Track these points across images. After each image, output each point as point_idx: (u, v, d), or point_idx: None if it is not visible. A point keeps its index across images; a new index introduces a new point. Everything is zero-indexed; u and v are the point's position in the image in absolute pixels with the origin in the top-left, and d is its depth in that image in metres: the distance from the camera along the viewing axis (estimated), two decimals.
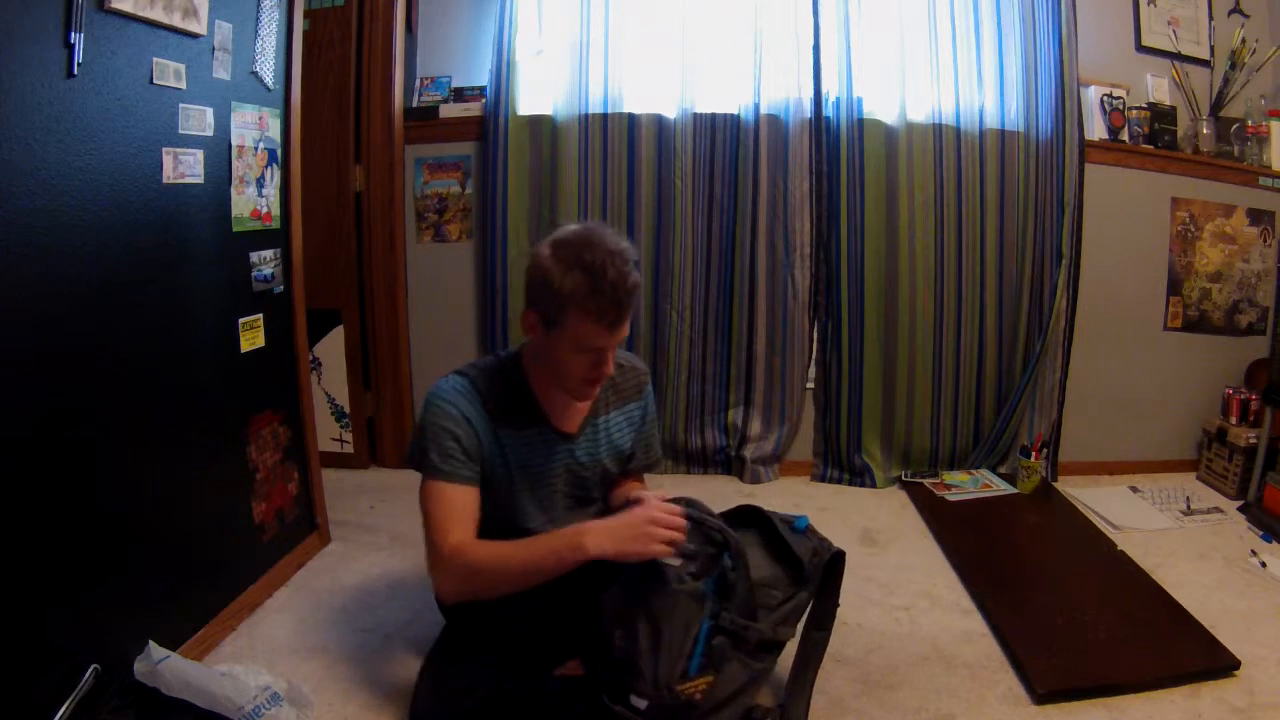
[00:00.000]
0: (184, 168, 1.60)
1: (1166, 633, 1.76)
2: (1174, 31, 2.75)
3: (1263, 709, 1.51)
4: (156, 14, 1.47)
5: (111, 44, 1.39)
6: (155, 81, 1.50)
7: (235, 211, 1.79)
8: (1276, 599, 1.94)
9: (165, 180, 1.56)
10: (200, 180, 1.66)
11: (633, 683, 1.22)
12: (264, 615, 1.84)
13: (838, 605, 1.47)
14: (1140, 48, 2.75)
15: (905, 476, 2.75)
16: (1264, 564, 2.11)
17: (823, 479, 2.79)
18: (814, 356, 2.78)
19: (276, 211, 1.95)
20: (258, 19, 1.80)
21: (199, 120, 1.64)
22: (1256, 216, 2.80)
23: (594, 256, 1.26)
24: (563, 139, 2.61)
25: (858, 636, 1.76)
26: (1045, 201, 2.66)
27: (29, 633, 1.28)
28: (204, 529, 1.72)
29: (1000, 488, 2.64)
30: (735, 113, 2.65)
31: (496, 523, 1.39)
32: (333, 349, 2.76)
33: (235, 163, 1.77)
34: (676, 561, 1.27)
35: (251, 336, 1.87)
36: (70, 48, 1.29)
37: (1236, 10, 2.78)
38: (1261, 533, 2.33)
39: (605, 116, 2.62)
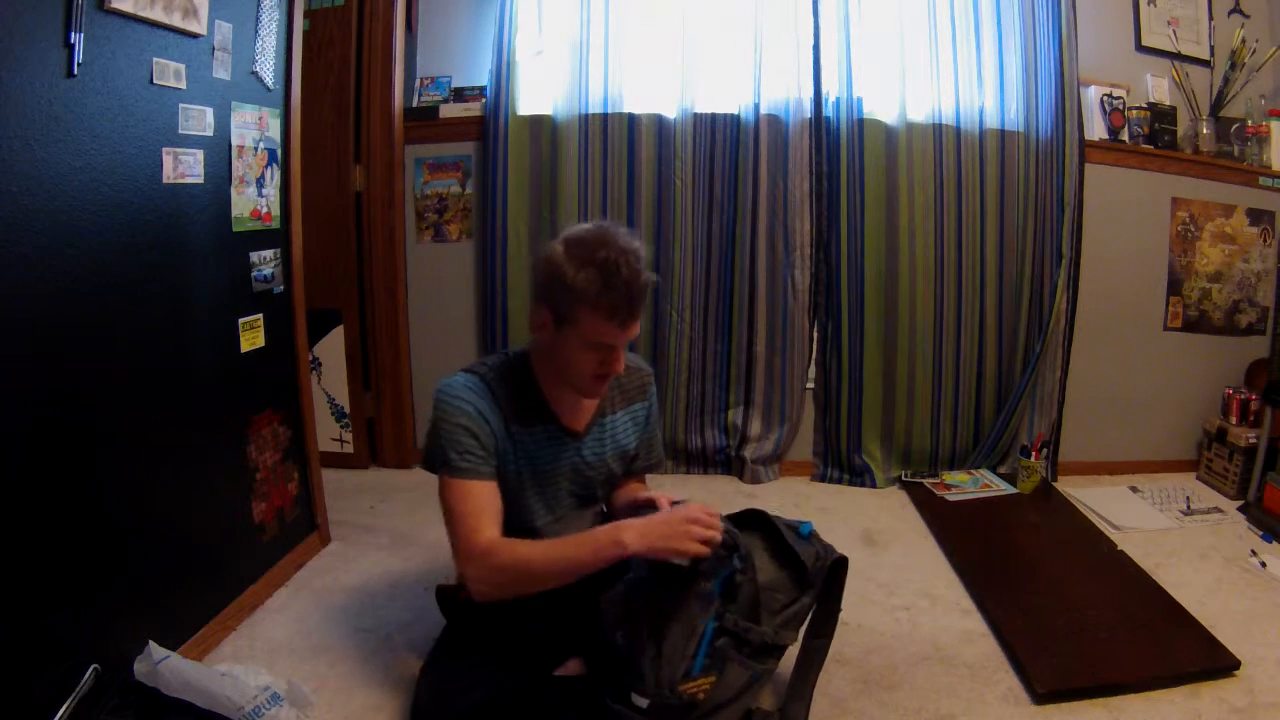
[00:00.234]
0: (184, 168, 1.60)
1: (1166, 633, 1.76)
2: (1174, 31, 2.75)
3: (1263, 709, 1.51)
4: (156, 14, 1.47)
5: (111, 44, 1.39)
6: (155, 81, 1.50)
7: (235, 211, 1.79)
8: (1276, 599, 1.94)
9: (165, 180, 1.56)
10: (200, 180, 1.66)
11: (635, 682, 1.22)
12: (264, 615, 1.84)
13: (840, 612, 1.47)
14: (1140, 48, 2.75)
15: (905, 476, 2.75)
16: (1264, 564, 2.11)
17: (823, 479, 2.79)
18: (814, 356, 2.78)
19: (276, 211, 1.95)
20: (258, 19, 1.80)
21: (199, 120, 1.64)
22: (1256, 216, 2.80)
23: (608, 254, 1.27)
24: (563, 139, 2.61)
25: (858, 636, 1.76)
26: (1045, 201, 2.66)
27: (29, 633, 1.28)
28: (204, 529, 1.72)
29: (1000, 488, 2.64)
30: (735, 113, 2.65)
31: (503, 520, 1.39)
32: (333, 349, 2.76)
33: (235, 162, 1.77)
34: (685, 562, 1.26)
35: (251, 336, 1.87)
36: (70, 48, 1.29)
37: (1236, 10, 2.78)
38: (1261, 533, 2.33)
39: (605, 116, 2.62)
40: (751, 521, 1.44)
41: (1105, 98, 2.70)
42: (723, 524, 1.32)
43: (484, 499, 1.34)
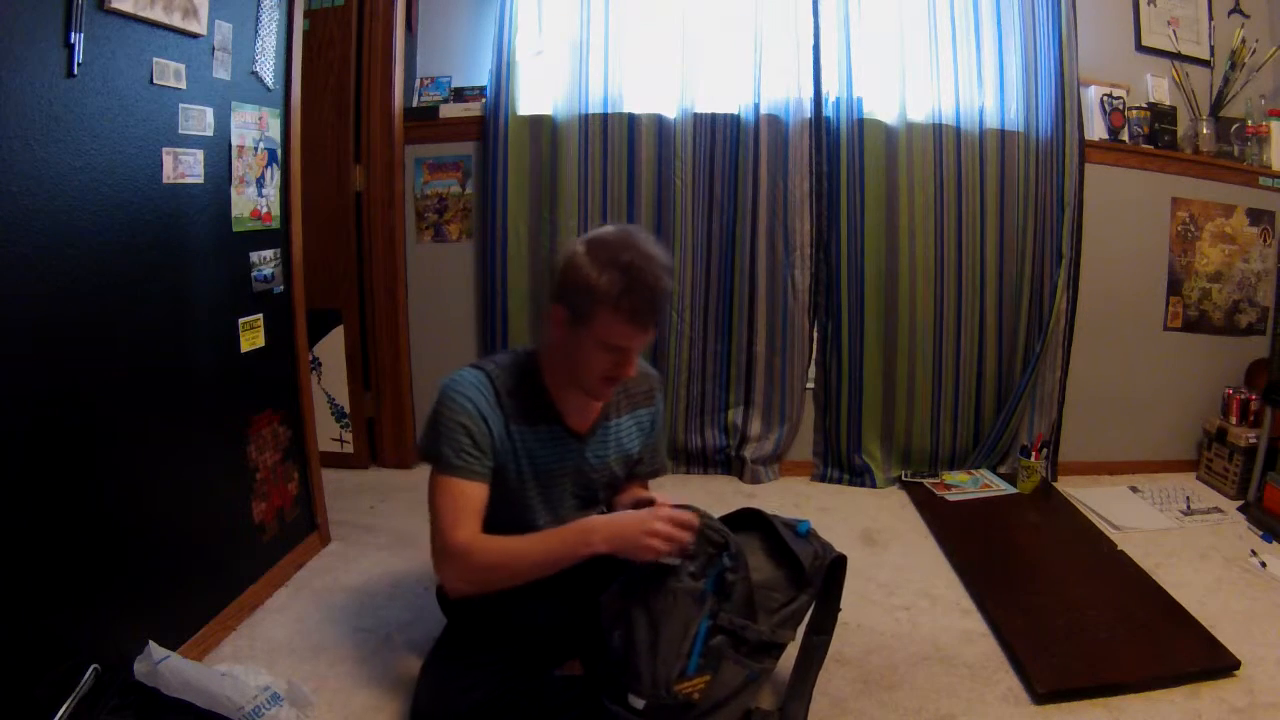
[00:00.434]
0: (184, 168, 1.60)
1: (1166, 633, 1.76)
2: (1174, 31, 2.75)
3: (1263, 709, 1.51)
4: (156, 14, 1.47)
5: (111, 44, 1.39)
6: (155, 81, 1.50)
7: (235, 211, 1.79)
8: (1276, 599, 1.95)
9: (165, 180, 1.56)
10: (200, 180, 1.66)
11: (631, 682, 1.22)
12: (264, 615, 1.84)
13: (839, 610, 1.47)
14: (1140, 48, 2.75)
15: (905, 476, 2.75)
16: (1264, 564, 2.11)
17: (823, 479, 2.79)
18: (814, 356, 2.78)
19: (276, 211, 1.95)
20: (258, 19, 1.80)
21: (199, 120, 1.64)
22: (1256, 216, 2.80)
23: (631, 257, 1.28)
24: (563, 139, 2.61)
25: (858, 636, 1.76)
26: (1045, 201, 2.66)
27: (29, 633, 1.28)
28: (204, 529, 1.72)
29: (1000, 488, 2.64)
30: (735, 113, 2.65)
31: (505, 520, 1.39)
32: (333, 349, 2.76)
33: (235, 162, 1.77)
34: (677, 561, 1.27)
35: (251, 336, 1.87)
36: (70, 48, 1.29)
37: (1236, 10, 2.78)
38: (1261, 533, 2.33)
39: (605, 116, 2.62)
40: (749, 521, 1.44)
41: (1105, 98, 2.71)
42: (712, 521, 1.32)
43: (468, 497, 1.35)
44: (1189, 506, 2.52)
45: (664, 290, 1.32)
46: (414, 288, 2.80)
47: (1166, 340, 2.83)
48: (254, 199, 1.85)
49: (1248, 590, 1.99)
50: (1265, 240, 2.82)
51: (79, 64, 1.31)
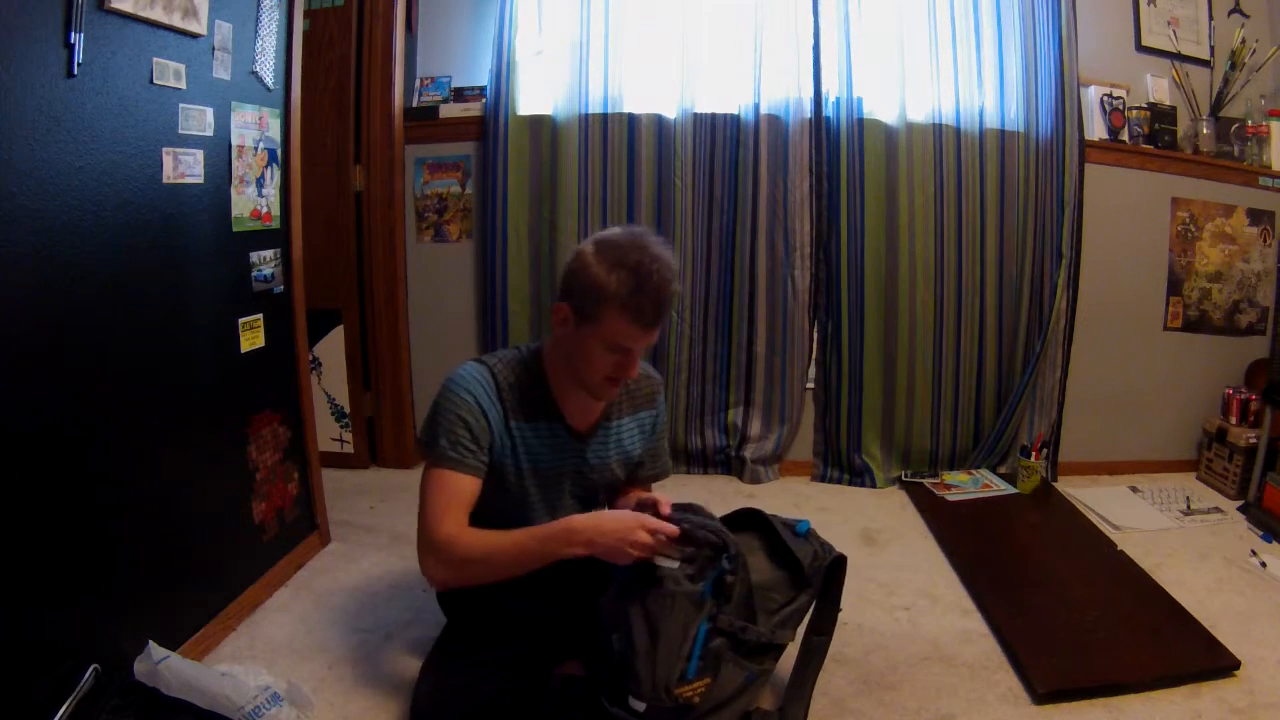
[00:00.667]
0: (184, 168, 1.60)
1: (1166, 633, 1.76)
2: (1174, 31, 2.75)
3: (1263, 709, 1.51)
4: (156, 14, 1.47)
5: (111, 44, 1.39)
6: (155, 81, 1.50)
7: (235, 211, 1.78)
8: (1276, 599, 1.95)
9: (165, 180, 1.56)
10: (200, 180, 1.66)
11: (630, 685, 1.22)
12: (264, 615, 1.84)
13: (839, 610, 1.47)
14: (1140, 48, 2.75)
15: (905, 476, 2.75)
16: (1264, 564, 2.11)
17: (823, 479, 2.79)
18: (814, 356, 2.78)
19: (276, 211, 1.95)
20: (258, 19, 1.80)
21: (199, 120, 1.64)
22: (1256, 216, 2.80)
23: (640, 258, 1.29)
24: (563, 139, 2.61)
25: (858, 636, 1.76)
26: (1045, 201, 2.66)
27: (29, 633, 1.28)
28: (204, 529, 1.72)
29: (1000, 488, 2.64)
30: (735, 113, 2.65)
31: (504, 517, 1.39)
32: (333, 349, 2.76)
33: (235, 163, 1.77)
34: (674, 564, 1.27)
35: (251, 336, 1.87)
36: (70, 48, 1.29)
37: (1236, 10, 2.78)
38: (1261, 533, 2.33)
39: (605, 116, 2.62)
40: (749, 521, 1.44)
41: (1105, 98, 2.70)
42: (711, 523, 1.31)
43: (458, 491, 1.36)
44: (1189, 506, 2.52)
45: (671, 293, 1.32)
46: (414, 288, 2.80)
47: (1166, 340, 2.83)
48: (254, 199, 1.85)
49: (1248, 590, 1.99)
50: (1265, 240, 2.82)
51: (79, 64, 1.31)
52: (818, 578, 1.40)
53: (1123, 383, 2.83)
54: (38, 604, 1.30)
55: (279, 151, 1.93)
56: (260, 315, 1.90)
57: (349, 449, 2.82)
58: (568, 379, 1.44)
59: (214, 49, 1.66)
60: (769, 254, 2.67)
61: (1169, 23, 2.75)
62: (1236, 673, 1.62)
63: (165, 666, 1.35)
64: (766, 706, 1.45)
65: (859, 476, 2.75)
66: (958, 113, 2.64)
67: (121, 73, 1.42)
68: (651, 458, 1.64)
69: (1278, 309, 2.84)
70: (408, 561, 2.09)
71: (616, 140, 2.64)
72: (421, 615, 1.82)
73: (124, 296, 1.47)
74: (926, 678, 1.62)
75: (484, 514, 1.38)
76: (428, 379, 2.78)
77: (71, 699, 1.25)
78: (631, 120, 2.63)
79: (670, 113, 2.63)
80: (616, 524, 1.28)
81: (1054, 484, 2.74)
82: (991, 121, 2.67)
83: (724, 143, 2.66)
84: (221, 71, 1.69)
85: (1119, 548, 2.20)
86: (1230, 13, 2.78)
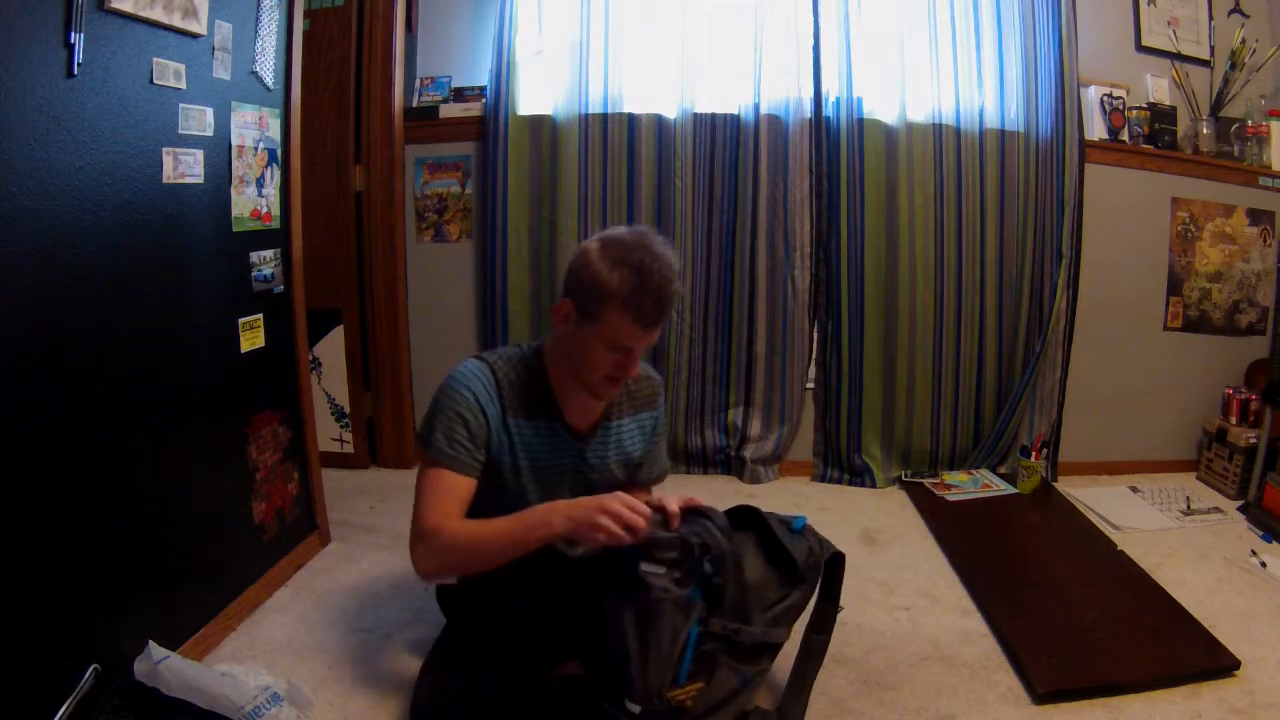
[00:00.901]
0: (184, 168, 1.60)
1: (1166, 633, 1.76)
2: (1174, 31, 2.75)
3: (1263, 709, 1.51)
4: (156, 14, 1.47)
5: (111, 44, 1.39)
6: (155, 81, 1.50)
7: (235, 211, 1.78)
8: (1276, 599, 1.95)
9: (165, 180, 1.56)
10: (200, 180, 1.66)
11: (625, 689, 1.22)
12: (264, 615, 1.84)
13: (839, 609, 1.47)
14: (1140, 48, 2.75)
15: (905, 476, 2.75)
16: (1264, 564, 2.11)
17: (823, 479, 2.79)
18: (814, 356, 2.78)
19: (276, 211, 1.95)
20: (258, 19, 1.80)
21: (199, 120, 1.64)
22: (1256, 216, 2.80)
23: (643, 257, 1.30)
24: (563, 139, 2.61)
25: (858, 636, 1.76)
26: (1045, 201, 2.66)
27: (29, 633, 1.28)
28: (204, 529, 1.72)
29: (1000, 488, 2.64)
30: (735, 113, 2.65)
31: (502, 515, 1.39)
32: (333, 349, 2.76)
33: (235, 163, 1.77)
34: (661, 569, 1.26)
35: (251, 336, 1.87)
36: (70, 48, 1.29)
37: (1236, 10, 2.78)
38: (1261, 533, 2.33)
39: (605, 116, 2.62)
40: (744, 519, 1.43)
41: (1105, 98, 2.71)
42: (698, 525, 1.29)
43: (452, 488, 1.36)
44: (1189, 506, 2.52)
45: (673, 293, 1.33)
46: (414, 288, 2.80)
47: (1166, 340, 2.83)
48: (254, 199, 1.85)
49: (1248, 590, 1.99)
50: (1265, 240, 2.82)
51: (79, 64, 1.31)
52: (813, 574, 1.39)
53: (1123, 383, 2.83)
54: (38, 604, 1.30)
55: (279, 151, 1.93)
56: (260, 315, 1.90)
57: (349, 449, 2.82)
58: (568, 378, 1.44)
59: (214, 49, 1.66)
60: (769, 254, 2.67)
61: (1169, 23, 2.75)
62: (1236, 673, 1.62)
63: (165, 666, 1.35)
64: (765, 706, 1.45)
65: (859, 476, 2.75)
66: (958, 113, 2.64)
67: (121, 73, 1.42)
68: (650, 460, 1.64)
69: (1278, 309, 2.84)
70: (408, 562, 2.07)
71: (616, 140, 2.64)
72: (421, 615, 1.82)
73: (124, 296, 1.47)
74: (926, 678, 1.62)
75: (483, 512, 1.38)
76: (428, 379, 2.78)
77: (71, 699, 1.25)
78: (631, 120, 2.63)
79: (670, 113, 2.63)
80: (595, 497, 1.28)
81: (1054, 484, 2.74)
82: (991, 121, 2.67)
83: (724, 143, 2.66)
84: (221, 71, 1.69)
85: (1119, 548, 2.20)
86: (1230, 13, 2.78)
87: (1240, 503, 2.54)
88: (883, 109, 2.63)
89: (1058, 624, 1.78)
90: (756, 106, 2.62)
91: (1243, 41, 2.70)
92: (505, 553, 1.30)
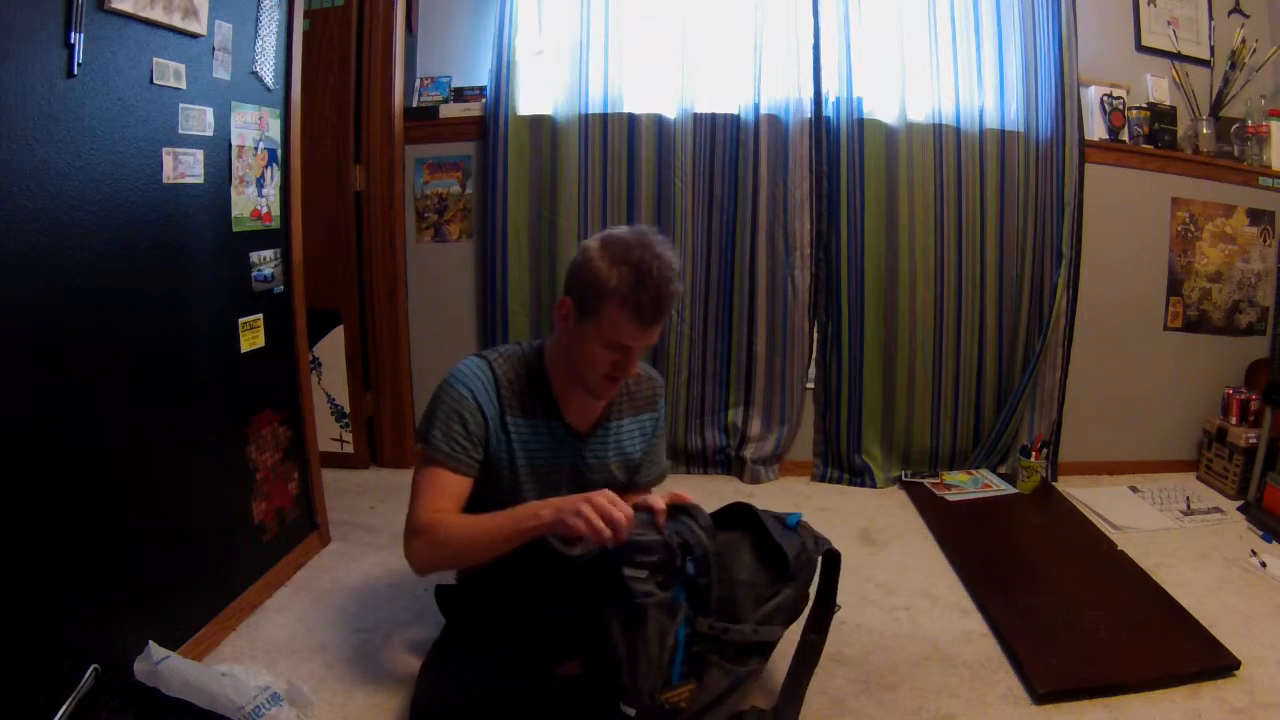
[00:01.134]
0: (184, 168, 1.60)
1: (1166, 633, 1.76)
2: (1174, 31, 2.75)
3: (1263, 709, 1.51)
4: (156, 14, 1.47)
5: (111, 44, 1.39)
6: (155, 81, 1.50)
7: (235, 211, 1.78)
8: (1276, 599, 1.94)
9: (165, 180, 1.56)
10: (200, 180, 1.66)
11: (619, 692, 1.22)
12: (264, 615, 1.84)
13: (837, 608, 1.47)
14: (1140, 48, 2.75)
15: (905, 476, 2.75)
16: (1264, 564, 2.11)
17: (823, 479, 2.79)
18: (814, 356, 2.78)
19: (276, 211, 1.94)
20: (258, 19, 1.80)
21: (199, 120, 1.64)
22: (1256, 216, 2.80)
23: (643, 255, 1.30)
24: (563, 139, 2.61)
25: (858, 636, 1.76)
26: (1045, 201, 2.66)
27: (29, 633, 1.28)
28: (204, 529, 1.72)
29: (1000, 488, 2.64)
30: (735, 113, 2.65)
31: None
32: (333, 349, 2.76)
33: (235, 163, 1.77)
34: (643, 573, 1.25)
35: (251, 336, 1.87)
36: (70, 48, 1.29)
37: (1236, 10, 2.78)
38: (1261, 533, 2.33)
39: (605, 116, 2.62)
40: (738, 517, 1.43)
41: (1105, 98, 2.71)
42: (681, 525, 1.29)
43: (446, 487, 1.38)
44: (1189, 506, 2.52)
45: (671, 292, 1.33)
46: (414, 288, 2.80)
47: (1166, 340, 2.83)
48: (254, 199, 1.85)
49: (1248, 590, 1.99)
50: (1265, 240, 2.82)
51: (79, 64, 1.31)
52: (806, 571, 1.38)
53: (1123, 383, 2.83)
54: (38, 604, 1.30)
55: (279, 151, 1.93)
56: (260, 315, 1.90)
57: (349, 449, 2.82)
58: (568, 377, 1.44)
59: (214, 49, 1.66)
60: (769, 254, 2.67)
61: (1169, 23, 2.75)
62: (1236, 673, 1.62)
63: (165, 666, 1.35)
64: (762, 705, 1.45)
65: (859, 476, 2.75)
66: (958, 113, 2.64)
67: (121, 73, 1.42)
68: (650, 461, 1.64)
69: (1278, 309, 2.84)
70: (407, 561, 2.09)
71: (616, 140, 2.64)
72: (421, 615, 1.82)
73: (124, 296, 1.47)
74: (926, 678, 1.62)
75: (481, 510, 1.37)
76: (428, 379, 2.78)
77: (71, 699, 1.25)
78: (631, 120, 2.63)
79: (670, 113, 2.63)
80: (576, 495, 1.26)
81: (1054, 484, 2.74)
82: (991, 121, 2.67)
83: (724, 143, 2.66)
84: (221, 71, 1.69)
85: (1119, 548, 2.20)
86: (1230, 13, 2.78)
87: (1240, 503, 2.54)
88: (883, 109, 2.63)
89: (1058, 624, 1.78)
90: (756, 106, 2.62)
91: (1243, 41, 2.70)
92: (497, 546, 1.30)
